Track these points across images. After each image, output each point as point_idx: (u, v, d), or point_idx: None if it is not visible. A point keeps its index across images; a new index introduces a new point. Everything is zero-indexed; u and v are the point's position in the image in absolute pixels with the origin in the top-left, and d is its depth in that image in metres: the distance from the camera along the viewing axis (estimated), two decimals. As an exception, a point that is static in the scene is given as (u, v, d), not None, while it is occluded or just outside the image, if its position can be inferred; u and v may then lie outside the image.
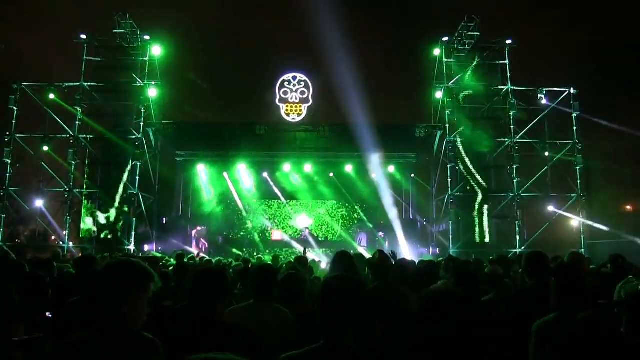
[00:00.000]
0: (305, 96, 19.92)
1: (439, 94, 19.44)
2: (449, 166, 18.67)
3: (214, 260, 9.45)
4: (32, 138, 18.35)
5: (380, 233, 21.77)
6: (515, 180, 18.52)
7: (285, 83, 20.02)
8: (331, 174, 22.02)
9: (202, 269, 3.22)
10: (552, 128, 18.95)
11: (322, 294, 2.28)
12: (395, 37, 20.16)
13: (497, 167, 19.66)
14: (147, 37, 19.05)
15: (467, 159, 19.10)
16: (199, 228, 20.89)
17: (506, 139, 18.78)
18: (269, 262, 8.19)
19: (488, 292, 4.70)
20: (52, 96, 18.26)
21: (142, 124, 18.56)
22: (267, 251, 20.59)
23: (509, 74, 19.00)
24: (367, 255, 6.68)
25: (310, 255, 12.36)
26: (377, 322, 3.07)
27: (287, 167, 21.25)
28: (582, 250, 17.52)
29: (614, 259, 7.00)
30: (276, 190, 22.52)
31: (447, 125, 18.81)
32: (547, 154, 18.88)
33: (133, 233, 18.16)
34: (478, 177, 19.25)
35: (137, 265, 2.27)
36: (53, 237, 18.97)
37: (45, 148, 17.99)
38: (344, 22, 22.28)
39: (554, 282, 3.29)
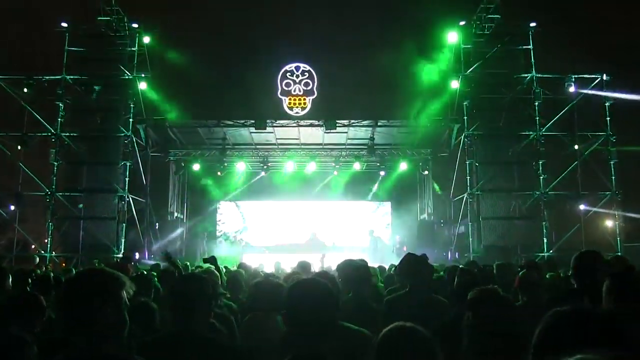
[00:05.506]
0: (309, 88, 18.21)
1: (455, 84, 17.74)
2: (467, 162, 17.06)
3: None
4: (8, 137, 16.76)
5: (396, 236, 20.30)
6: (541, 178, 16.92)
7: (288, 74, 18.29)
8: (335, 172, 20.54)
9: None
10: (582, 119, 17.30)
11: None
12: (407, 22, 18.45)
13: (521, 163, 17.93)
14: (135, 25, 17.45)
15: (487, 154, 17.51)
16: None
17: (531, 132, 17.14)
18: None
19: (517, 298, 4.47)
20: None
21: (131, 120, 17.03)
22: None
23: (533, 60, 17.32)
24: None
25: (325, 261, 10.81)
26: None
27: (289, 165, 19.61)
28: (619, 253, 15.98)
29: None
30: (277, 189, 21.01)
31: (465, 118, 17.20)
32: (576, 147, 17.23)
33: (122, 240, 16.63)
34: (500, 174, 17.65)
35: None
36: (33, 246, 17.44)
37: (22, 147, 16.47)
38: (350, 7, 20.79)
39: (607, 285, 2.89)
